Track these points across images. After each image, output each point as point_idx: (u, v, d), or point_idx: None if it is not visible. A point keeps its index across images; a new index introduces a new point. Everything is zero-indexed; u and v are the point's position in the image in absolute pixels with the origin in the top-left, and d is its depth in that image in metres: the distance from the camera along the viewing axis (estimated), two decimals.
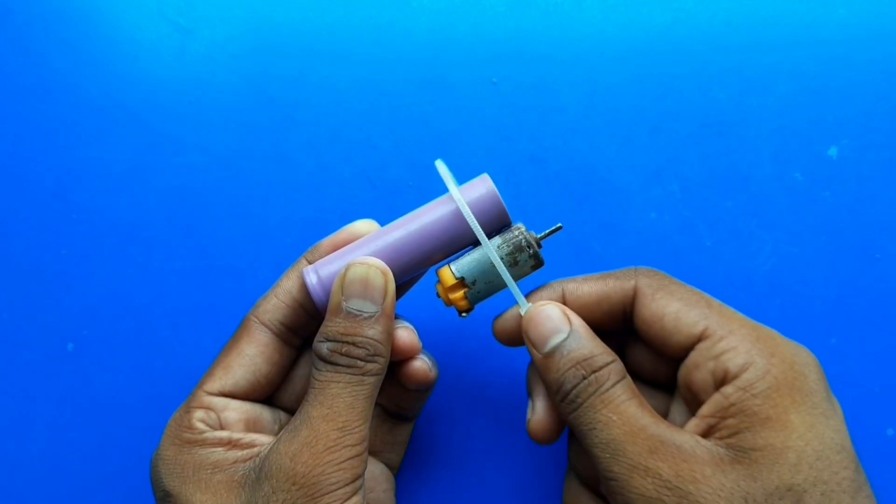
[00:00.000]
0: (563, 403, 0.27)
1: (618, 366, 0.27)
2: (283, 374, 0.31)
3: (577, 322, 0.27)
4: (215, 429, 0.29)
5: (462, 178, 0.31)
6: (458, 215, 0.29)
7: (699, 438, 0.25)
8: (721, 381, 0.26)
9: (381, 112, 0.40)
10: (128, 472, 0.37)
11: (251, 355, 0.30)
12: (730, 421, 0.25)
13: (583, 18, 0.40)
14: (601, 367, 0.26)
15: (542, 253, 0.30)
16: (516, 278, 0.30)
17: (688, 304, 0.27)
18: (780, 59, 0.39)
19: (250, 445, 0.28)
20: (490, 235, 0.30)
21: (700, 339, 0.26)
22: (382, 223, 0.31)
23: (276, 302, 0.30)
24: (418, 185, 0.39)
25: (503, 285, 0.30)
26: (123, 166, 0.40)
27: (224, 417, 0.29)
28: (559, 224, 0.31)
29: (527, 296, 0.30)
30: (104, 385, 0.38)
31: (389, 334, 0.28)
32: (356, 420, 0.26)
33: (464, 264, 0.30)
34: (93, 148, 0.40)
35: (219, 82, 0.40)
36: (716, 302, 0.27)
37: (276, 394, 0.32)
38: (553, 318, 0.27)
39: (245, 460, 0.27)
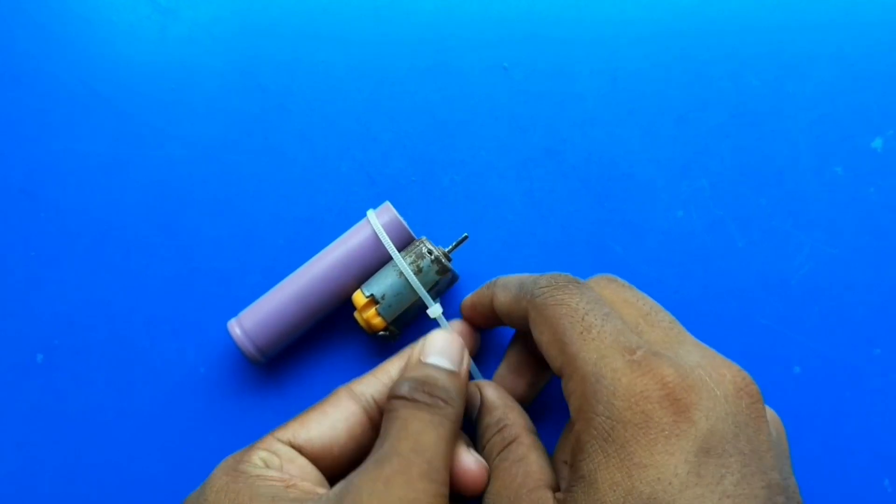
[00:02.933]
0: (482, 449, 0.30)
1: (501, 436, 0.30)
2: (358, 453, 0.30)
3: (486, 388, 0.31)
4: (276, 471, 0.28)
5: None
6: (368, 242, 0.34)
7: (545, 499, 0.26)
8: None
9: (381, 100, 0.39)
10: (102, 495, 0.36)
11: (333, 419, 0.30)
12: (567, 478, 0.27)
13: None
14: (486, 442, 0.30)
15: (460, 260, 0.34)
16: (426, 286, 0.33)
17: (555, 334, 0.27)
18: (820, 41, 0.39)
19: (311, 491, 0.27)
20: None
21: (561, 375, 0.27)
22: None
23: (372, 378, 0.32)
24: (421, 181, 0.38)
25: (414, 297, 0.33)
26: (98, 160, 0.39)
27: (287, 468, 0.29)
28: (465, 234, 0.34)
29: (471, 295, 0.34)
30: (77, 400, 0.37)
31: (464, 394, 0.30)
32: (440, 460, 0.27)
33: (371, 282, 0.33)
34: (65, 140, 0.39)
35: (203, 68, 0.40)
36: (582, 324, 0.27)
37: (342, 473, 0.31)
38: (470, 395, 0.31)
39: (307, 499, 0.27)
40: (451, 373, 0.29)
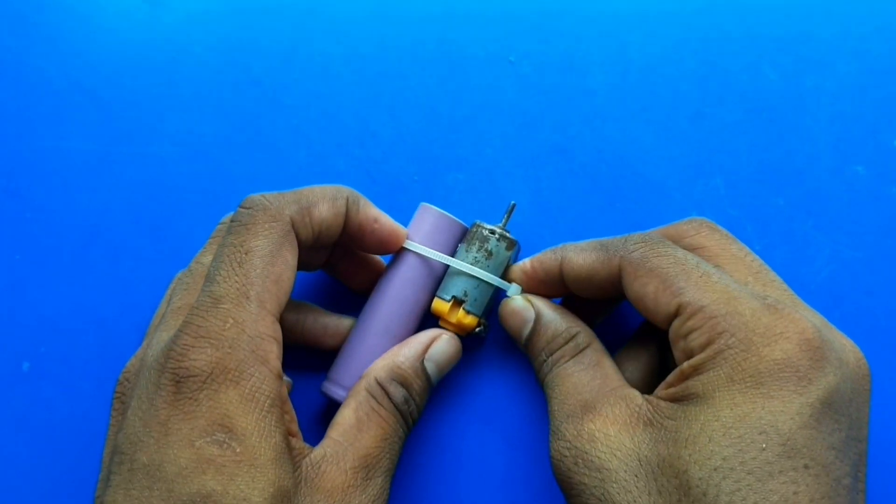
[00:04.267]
0: (539, 379, 0.32)
1: (577, 340, 0.31)
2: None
3: (541, 305, 0.32)
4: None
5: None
6: (420, 264, 0.33)
7: (633, 396, 0.28)
8: (689, 358, 0.28)
9: (381, 95, 0.39)
10: None
11: (291, 269, 0.30)
12: (671, 390, 0.27)
13: None
14: (559, 348, 0.31)
15: (513, 234, 0.34)
16: (501, 267, 0.33)
17: (665, 281, 0.28)
18: (842, 33, 0.39)
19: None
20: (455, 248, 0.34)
21: (675, 315, 0.28)
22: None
23: (330, 208, 0.31)
24: (424, 180, 0.38)
25: (498, 284, 0.33)
26: (84, 157, 0.39)
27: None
28: (512, 202, 0.34)
29: (532, 259, 0.33)
30: (64, 410, 0.37)
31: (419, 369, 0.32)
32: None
33: (446, 286, 0.33)
34: (48, 136, 0.39)
35: (193, 59, 0.40)
36: (697, 271, 0.28)
37: None
38: (519, 310, 0.32)
39: None
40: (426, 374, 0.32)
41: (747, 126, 0.38)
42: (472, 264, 0.33)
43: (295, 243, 0.29)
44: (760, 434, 0.25)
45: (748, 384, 0.25)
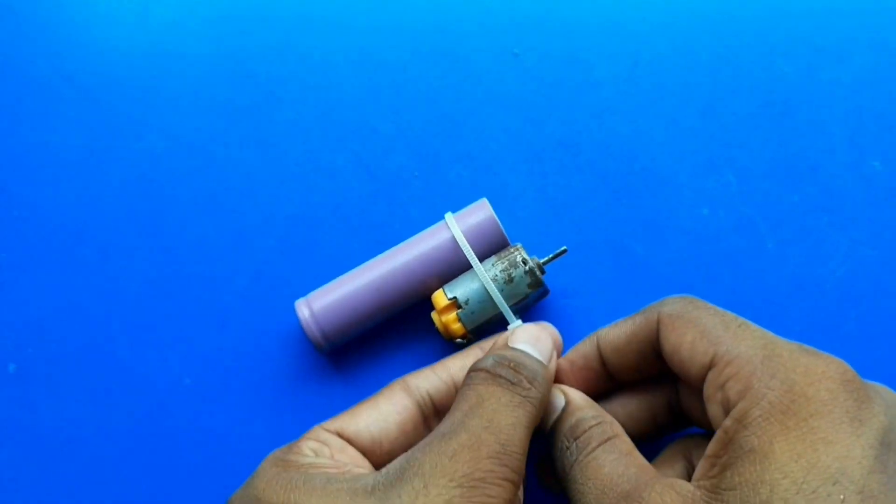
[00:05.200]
0: (559, 472, 0.30)
1: (601, 428, 0.29)
2: (408, 449, 0.30)
3: (570, 391, 0.31)
4: (328, 459, 0.30)
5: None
6: (452, 241, 0.33)
7: (681, 484, 0.27)
8: (727, 412, 0.27)
9: (381, 89, 0.39)
10: None
11: (384, 412, 0.31)
12: (723, 458, 0.26)
13: None
14: (582, 434, 0.29)
15: (548, 279, 0.33)
16: (514, 298, 0.33)
17: (703, 332, 0.28)
18: (858, 24, 0.38)
19: (365, 475, 0.28)
20: (487, 256, 0.34)
21: (710, 367, 0.28)
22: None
23: (430, 373, 0.32)
24: (425, 177, 0.38)
25: (497, 309, 0.33)
26: (74, 154, 0.39)
27: (338, 457, 0.30)
28: (564, 247, 0.34)
29: (567, 353, 0.33)
30: (52, 413, 0.37)
31: (549, 389, 0.30)
32: (516, 444, 0.27)
33: (456, 284, 0.33)
34: (37, 132, 0.40)
35: (187, 53, 0.40)
36: (736, 322, 0.28)
37: None
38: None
39: (363, 476, 0.27)
40: (539, 361, 0.30)
41: (760, 120, 0.38)
42: (490, 279, 0.32)
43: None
44: (835, 485, 0.24)
45: (804, 429, 0.25)
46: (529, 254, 0.34)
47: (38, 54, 0.40)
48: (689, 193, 0.37)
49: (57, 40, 0.40)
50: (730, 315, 0.29)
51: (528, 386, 0.28)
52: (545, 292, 0.34)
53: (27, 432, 0.37)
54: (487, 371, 0.28)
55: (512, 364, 0.28)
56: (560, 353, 0.32)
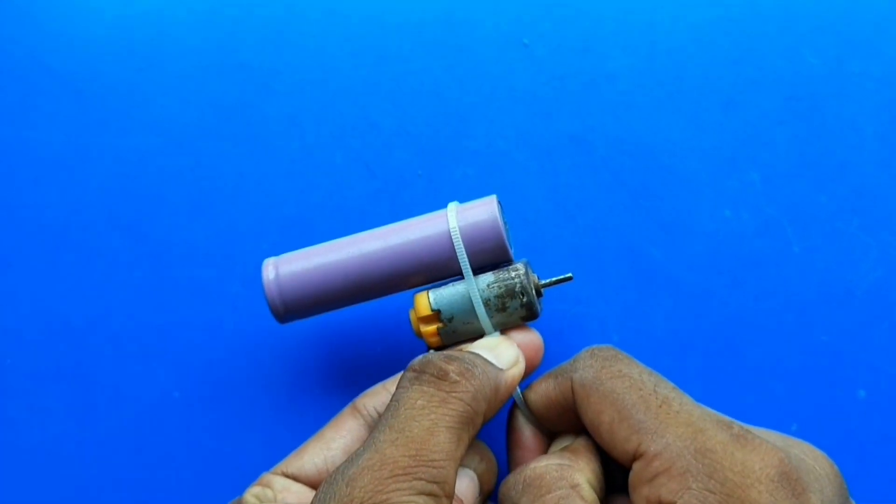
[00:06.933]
0: None
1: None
2: None
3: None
4: (270, 503, 0.30)
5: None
6: (448, 239, 0.31)
7: None
8: None
9: (381, 82, 0.39)
10: None
11: (328, 439, 0.31)
12: None
13: None
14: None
15: (544, 301, 0.32)
16: (502, 325, 0.31)
17: (621, 413, 0.27)
18: (888, 15, 0.38)
19: None
20: (485, 269, 0.31)
21: (634, 457, 0.27)
22: (383, 221, 0.33)
23: (381, 389, 0.32)
24: (429, 175, 0.38)
25: (483, 331, 0.31)
26: (55, 149, 0.39)
27: (282, 497, 0.30)
28: (569, 274, 0.32)
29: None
30: (35, 428, 0.37)
31: (500, 394, 0.29)
32: (434, 450, 0.25)
33: (444, 295, 0.31)
34: (16, 126, 0.40)
35: (176, 43, 0.40)
36: (656, 400, 0.27)
37: None
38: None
39: None
40: (478, 356, 0.29)
41: (786, 115, 0.38)
42: (483, 301, 0.31)
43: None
44: None
45: None
46: (537, 262, 0.33)
47: (15, 44, 0.40)
48: (710, 194, 0.37)
49: (36, 29, 0.40)
50: (648, 384, 0.28)
51: (455, 379, 0.27)
52: (535, 315, 0.32)
53: (8, 449, 0.37)
54: (413, 370, 0.27)
55: (439, 363, 0.27)
56: (536, 365, 0.31)
